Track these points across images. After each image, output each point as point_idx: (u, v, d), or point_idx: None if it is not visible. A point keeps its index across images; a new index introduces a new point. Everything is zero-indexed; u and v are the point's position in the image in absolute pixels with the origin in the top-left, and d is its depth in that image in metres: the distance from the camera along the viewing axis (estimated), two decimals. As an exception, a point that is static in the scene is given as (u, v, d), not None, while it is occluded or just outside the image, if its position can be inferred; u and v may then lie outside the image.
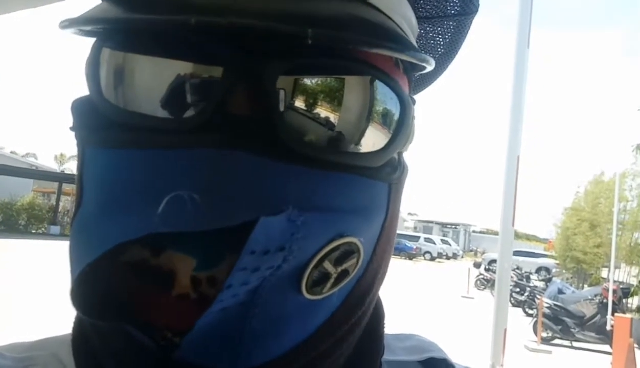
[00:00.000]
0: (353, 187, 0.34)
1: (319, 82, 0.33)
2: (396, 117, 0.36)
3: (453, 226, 52.96)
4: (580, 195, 21.68)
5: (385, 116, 0.36)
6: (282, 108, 0.31)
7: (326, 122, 0.33)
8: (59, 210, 22.89)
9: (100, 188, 0.33)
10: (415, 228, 50.11)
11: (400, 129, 0.36)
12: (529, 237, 58.71)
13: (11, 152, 36.22)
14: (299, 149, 0.31)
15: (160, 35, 0.32)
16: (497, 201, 3.21)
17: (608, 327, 9.23)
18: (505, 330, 3.12)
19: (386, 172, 0.37)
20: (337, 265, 0.34)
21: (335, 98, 0.33)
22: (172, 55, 0.32)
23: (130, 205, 0.31)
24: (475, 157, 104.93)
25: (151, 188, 0.30)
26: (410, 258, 32.55)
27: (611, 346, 8.36)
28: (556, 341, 10.00)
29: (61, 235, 20.32)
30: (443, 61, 0.52)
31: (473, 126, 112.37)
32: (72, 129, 0.37)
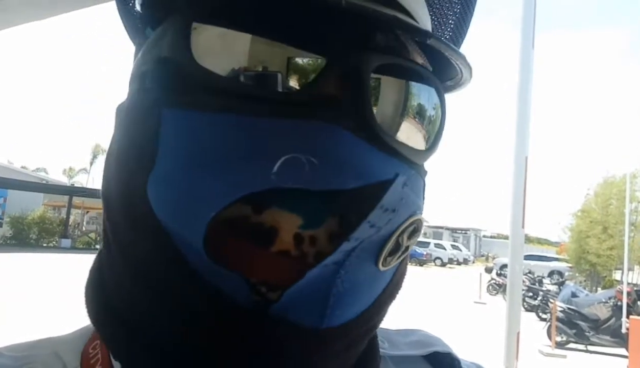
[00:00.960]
0: (417, 178, 0.38)
1: (399, 82, 0.38)
2: (439, 122, 0.41)
3: (463, 231, 52.74)
4: (590, 197, 21.53)
5: (435, 121, 0.40)
6: (371, 102, 0.34)
7: (400, 120, 0.37)
8: (70, 223, 23.07)
9: (198, 149, 0.33)
10: (425, 234, 49.85)
11: (441, 132, 0.41)
12: (540, 241, 58.33)
13: (22, 167, 36.63)
14: (388, 141, 0.34)
15: (264, 13, 0.34)
16: (507, 205, 3.18)
17: (623, 330, 9.13)
18: (519, 334, 3.08)
19: (424, 170, 0.41)
20: (409, 239, 0.37)
21: (409, 102, 0.38)
22: (277, 35, 0.34)
23: (244, 166, 0.32)
24: (484, 162, 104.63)
25: (265, 150, 0.32)
26: (421, 265, 32.44)
27: (627, 349, 8.25)
28: (571, 345, 9.89)
29: (72, 248, 20.48)
30: (455, 37, 0.52)
31: (481, 131, 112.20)
32: (133, 85, 0.38)
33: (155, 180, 0.34)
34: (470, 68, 0.40)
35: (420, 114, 0.39)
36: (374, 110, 0.34)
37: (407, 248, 0.37)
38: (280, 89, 0.34)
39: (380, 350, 0.45)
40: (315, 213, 0.32)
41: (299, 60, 0.35)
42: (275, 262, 0.32)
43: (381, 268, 0.36)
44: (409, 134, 0.38)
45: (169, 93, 0.35)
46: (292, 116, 0.32)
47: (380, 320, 0.40)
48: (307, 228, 0.32)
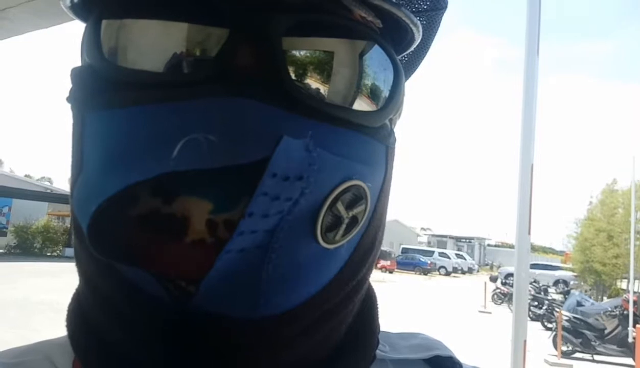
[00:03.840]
0: (356, 141, 0.35)
1: (320, 42, 0.35)
2: (390, 81, 0.38)
3: (467, 240, 52.56)
4: (594, 205, 21.43)
5: (380, 79, 0.38)
6: (286, 64, 0.33)
7: (327, 81, 0.35)
8: (74, 232, 23.08)
9: (106, 147, 0.33)
10: (429, 243, 49.80)
11: (394, 92, 0.38)
12: (545, 250, 58.03)
13: (25, 176, 36.75)
14: (304, 101, 0.33)
15: None
16: (512, 213, 3.18)
17: (630, 339, 9.05)
18: (525, 342, 3.06)
19: (383, 134, 0.38)
20: (349, 209, 0.35)
21: (334, 60, 0.35)
22: (177, 17, 0.33)
23: (142, 155, 0.31)
24: (488, 171, 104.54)
25: (164, 137, 0.30)
26: (425, 274, 32.30)
27: (634, 359, 8.17)
28: (577, 354, 9.81)
29: (76, 258, 20.40)
30: (414, 59, 0.52)
31: (486, 140, 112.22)
32: (68, 99, 0.37)
33: (78, 185, 0.34)
34: (415, 23, 0.39)
35: (355, 72, 0.36)
36: (292, 73, 0.33)
37: (354, 220, 0.35)
38: (186, 71, 0.33)
39: (382, 353, 0.44)
40: (225, 195, 0.30)
41: (204, 37, 0.33)
42: (190, 252, 0.31)
43: (325, 245, 0.34)
44: (345, 95, 0.36)
45: (88, 96, 0.35)
46: (190, 97, 0.31)
47: (344, 302, 0.38)
48: (219, 212, 0.30)
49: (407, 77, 0.54)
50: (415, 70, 0.53)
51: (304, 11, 0.34)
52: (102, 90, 0.34)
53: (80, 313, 0.39)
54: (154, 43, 0.34)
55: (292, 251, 0.33)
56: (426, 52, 0.52)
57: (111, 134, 0.33)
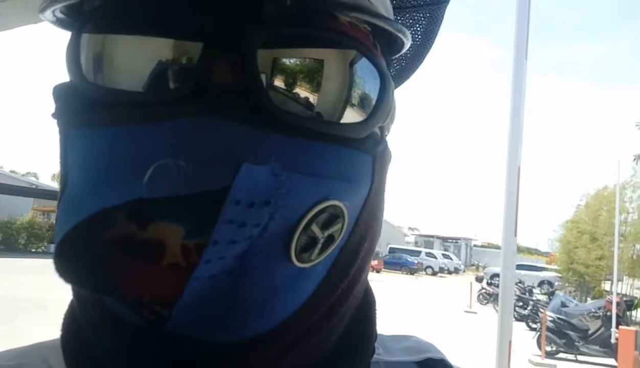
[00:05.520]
0: (336, 156, 0.35)
1: (301, 53, 0.34)
2: (376, 90, 0.37)
3: (454, 240, 52.82)
4: (582, 208, 21.67)
5: (366, 89, 0.37)
6: (263, 79, 0.32)
7: (308, 94, 0.34)
8: (59, 228, 22.86)
9: (85, 167, 0.33)
10: (416, 243, 49.96)
11: (381, 102, 0.37)
12: (530, 251, 58.53)
13: (10, 171, 36.27)
14: (281, 117, 0.32)
15: (138, 11, 0.33)
16: (498, 215, 3.20)
17: (613, 340, 9.16)
18: (510, 343, 3.09)
19: (369, 144, 0.37)
20: (324, 229, 0.34)
21: (316, 71, 0.34)
22: (151, 32, 0.33)
23: (115, 178, 0.31)
24: (476, 172, 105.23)
25: (136, 160, 0.30)
26: (412, 273, 32.41)
27: (616, 359, 8.28)
28: (560, 355, 9.92)
29: (61, 254, 20.18)
30: (419, 53, 0.52)
31: (474, 141, 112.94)
32: (54, 115, 0.37)
33: (61, 204, 0.34)
34: (401, 30, 0.38)
35: (340, 82, 0.35)
36: (270, 87, 0.32)
37: (330, 238, 0.34)
38: (162, 89, 0.32)
39: (375, 356, 0.44)
40: (196, 220, 0.30)
41: (180, 53, 0.32)
42: (164, 276, 0.30)
43: (300, 265, 0.33)
44: (328, 107, 0.35)
45: (69, 114, 0.35)
46: (163, 117, 0.30)
47: (327, 317, 0.37)
48: (191, 237, 0.30)
49: (414, 70, 0.55)
50: (421, 62, 0.54)
51: (282, 23, 0.33)
52: (82, 109, 0.34)
53: (75, 326, 0.39)
54: (130, 60, 0.34)
55: (266, 274, 0.32)
56: (431, 45, 0.52)
57: (88, 154, 0.33)
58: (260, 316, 0.33)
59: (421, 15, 0.50)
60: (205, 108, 0.30)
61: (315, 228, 0.33)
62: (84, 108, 0.34)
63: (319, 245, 0.34)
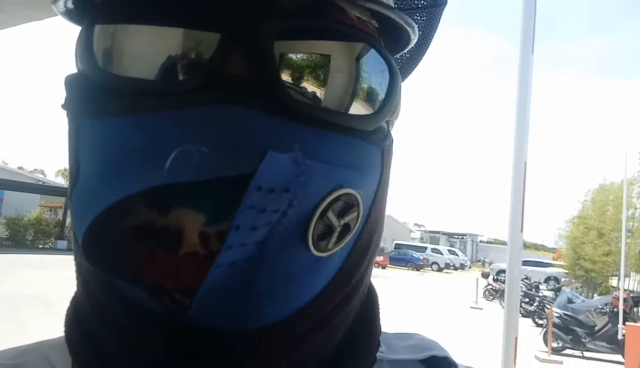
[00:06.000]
0: (348, 146, 0.35)
1: (315, 46, 0.35)
2: (386, 83, 0.38)
3: (460, 236, 52.74)
4: (588, 203, 21.55)
5: (376, 83, 0.38)
6: (277, 69, 0.32)
7: (320, 86, 0.35)
8: (66, 224, 22.99)
9: (102, 156, 0.33)
10: (422, 239, 49.93)
11: (390, 95, 0.38)
12: (537, 247, 58.35)
13: (18, 168, 36.47)
14: (295, 107, 0.32)
15: (156, 0, 0.33)
16: (504, 210, 3.19)
17: (619, 337, 9.13)
18: (516, 339, 3.08)
19: (378, 137, 0.38)
20: (340, 217, 0.34)
21: (328, 64, 0.35)
22: (167, 22, 0.33)
23: (135, 166, 0.31)
24: (481, 168, 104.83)
25: (156, 147, 0.30)
26: (418, 270, 32.40)
27: (623, 356, 8.26)
28: (567, 351, 9.88)
29: (68, 250, 20.35)
30: (415, 55, 0.52)
31: (480, 136, 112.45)
32: (64, 106, 0.37)
33: (75, 194, 0.34)
34: (410, 24, 0.38)
35: (351, 75, 0.36)
36: (285, 77, 0.33)
37: (346, 227, 0.35)
38: (179, 78, 0.33)
39: (379, 354, 0.44)
40: (217, 207, 0.30)
41: (196, 43, 0.33)
42: (184, 265, 0.31)
43: (317, 254, 0.34)
44: (340, 99, 0.35)
45: (82, 104, 0.35)
46: (182, 105, 0.31)
47: (339, 308, 0.38)
48: (211, 225, 0.30)
49: (409, 73, 0.54)
50: (416, 66, 0.53)
51: (296, 15, 0.33)
52: (96, 99, 0.34)
53: (78, 320, 0.39)
54: (146, 49, 0.34)
55: (284, 262, 0.33)
56: (427, 48, 0.52)
57: (105, 144, 0.33)
58: (277, 304, 0.33)
59: (419, 17, 0.50)
60: (222, 96, 0.30)
61: (331, 216, 0.34)
62: (98, 96, 0.34)
63: (336, 234, 0.35)
